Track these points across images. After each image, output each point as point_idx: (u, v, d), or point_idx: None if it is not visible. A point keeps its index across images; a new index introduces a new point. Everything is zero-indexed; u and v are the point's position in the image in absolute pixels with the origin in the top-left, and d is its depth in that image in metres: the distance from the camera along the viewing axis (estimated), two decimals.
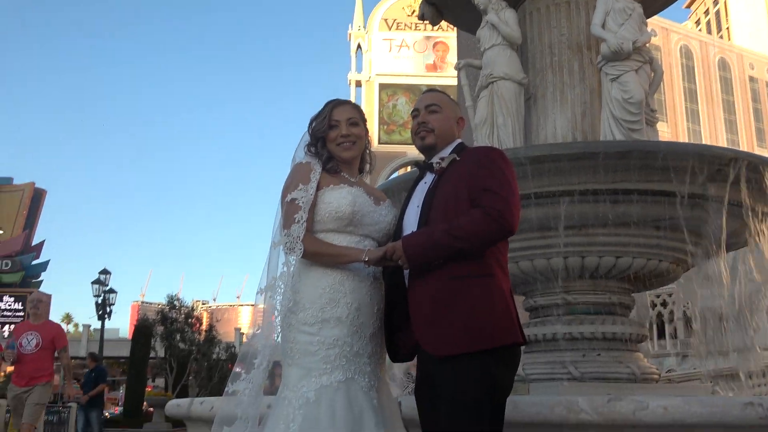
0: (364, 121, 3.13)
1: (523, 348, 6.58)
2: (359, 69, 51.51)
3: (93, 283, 26.64)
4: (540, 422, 3.51)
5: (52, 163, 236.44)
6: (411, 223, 2.88)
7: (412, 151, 45.65)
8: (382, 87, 49.55)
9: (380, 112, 48.24)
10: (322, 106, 3.09)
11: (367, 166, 3.20)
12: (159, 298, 36.18)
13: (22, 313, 74.82)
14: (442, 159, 2.89)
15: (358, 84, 50.40)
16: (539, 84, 6.80)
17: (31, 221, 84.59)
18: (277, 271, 2.88)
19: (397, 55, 50.36)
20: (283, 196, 2.93)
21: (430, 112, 2.99)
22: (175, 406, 5.30)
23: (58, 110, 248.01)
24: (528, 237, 5.71)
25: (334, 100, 3.11)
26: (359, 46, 51.69)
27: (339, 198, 2.93)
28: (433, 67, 49.76)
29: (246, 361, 2.89)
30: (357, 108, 3.12)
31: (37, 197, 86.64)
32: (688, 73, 53.36)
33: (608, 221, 5.53)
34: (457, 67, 7.17)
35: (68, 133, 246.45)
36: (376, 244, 3.00)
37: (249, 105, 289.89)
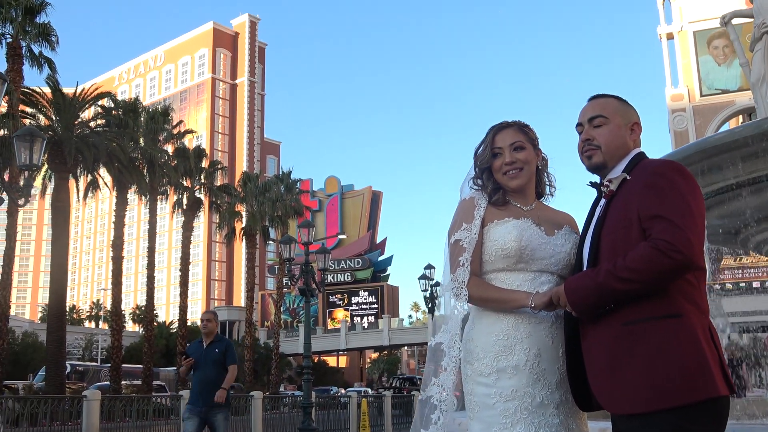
0: (534, 141, 2.82)
1: None
2: (668, 20, 47.76)
3: (419, 278, 28.31)
4: None
5: (382, 166, 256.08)
6: (586, 255, 2.52)
7: (741, 99, 41.11)
8: (697, 35, 45.40)
9: (697, 62, 44.20)
10: (485, 133, 2.85)
11: (547, 189, 2.88)
12: None
13: (376, 306, 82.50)
14: (611, 181, 2.47)
15: (670, 36, 46.74)
16: None
17: (372, 221, 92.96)
18: (450, 319, 2.72)
19: None
20: (449, 236, 2.75)
21: (594, 126, 2.57)
22: None
23: (383, 115, 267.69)
24: None
25: (497, 124, 2.83)
26: None
27: (504, 234, 2.66)
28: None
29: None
30: (522, 129, 2.80)
31: (375, 199, 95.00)
32: None
33: None
34: (724, 21, 6.23)
35: (390, 135, 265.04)
36: (555, 279, 2.68)
37: (545, 68, 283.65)
